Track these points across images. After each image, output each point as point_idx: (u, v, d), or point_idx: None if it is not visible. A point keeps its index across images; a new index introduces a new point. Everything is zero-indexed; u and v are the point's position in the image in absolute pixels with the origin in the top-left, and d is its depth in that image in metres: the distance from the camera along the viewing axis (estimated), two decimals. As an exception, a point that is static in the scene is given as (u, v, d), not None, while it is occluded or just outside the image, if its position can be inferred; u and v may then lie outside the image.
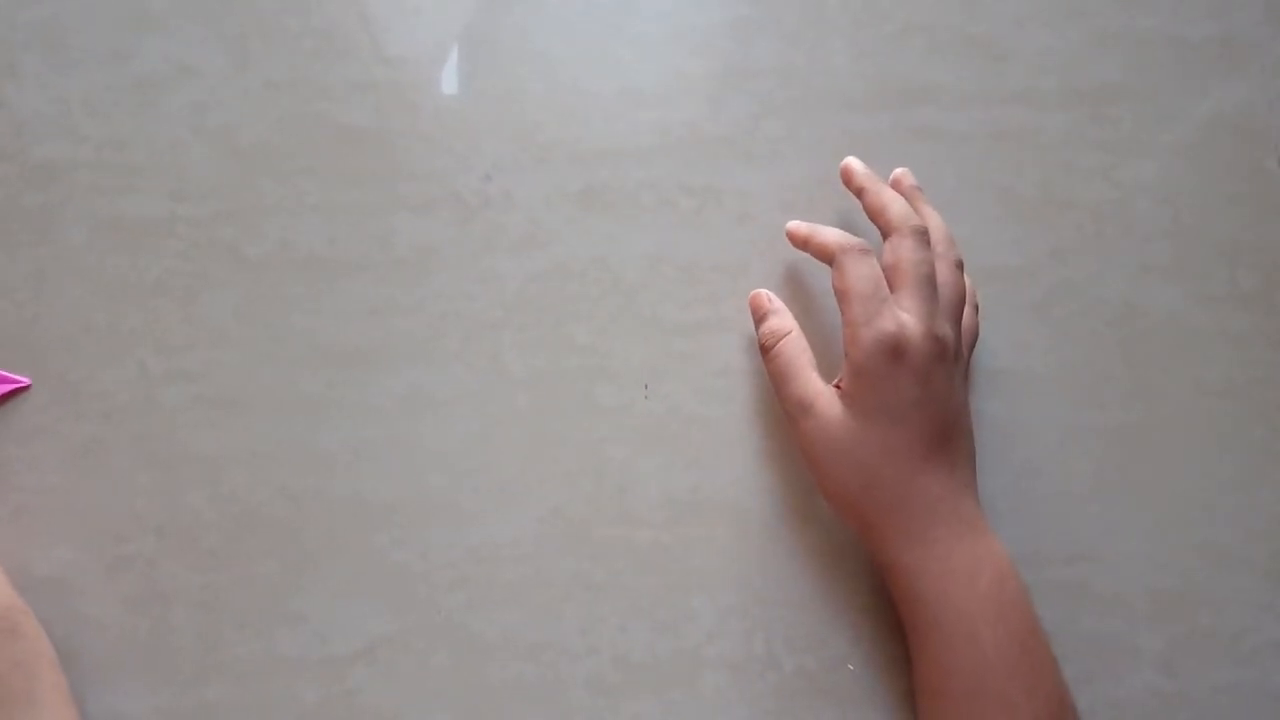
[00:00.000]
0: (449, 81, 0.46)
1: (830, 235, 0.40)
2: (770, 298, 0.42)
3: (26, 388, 0.34)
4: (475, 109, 0.46)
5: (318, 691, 0.40)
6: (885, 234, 0.39)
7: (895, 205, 0.39)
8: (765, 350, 0.40)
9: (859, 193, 0.41)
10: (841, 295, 0.38)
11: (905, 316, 0.37)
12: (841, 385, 0.38)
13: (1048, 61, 0.46)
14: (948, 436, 0.37)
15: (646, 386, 0.43)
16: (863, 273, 0.38)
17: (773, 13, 0.47)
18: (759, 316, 0.42)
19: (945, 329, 0.37)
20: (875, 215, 0.40)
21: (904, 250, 0.38)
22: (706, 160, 0.45)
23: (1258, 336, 0.44)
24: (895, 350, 0.36)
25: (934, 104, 0.46)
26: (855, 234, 0.40)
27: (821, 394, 0.38)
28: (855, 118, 0.46)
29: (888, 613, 0.41)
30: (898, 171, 0.43)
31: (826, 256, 0.40)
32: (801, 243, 0.41)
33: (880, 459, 0.37)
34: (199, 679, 0.41)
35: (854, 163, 0.42)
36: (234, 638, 0.41)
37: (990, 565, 0.36)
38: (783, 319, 0.41)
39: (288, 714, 0.41)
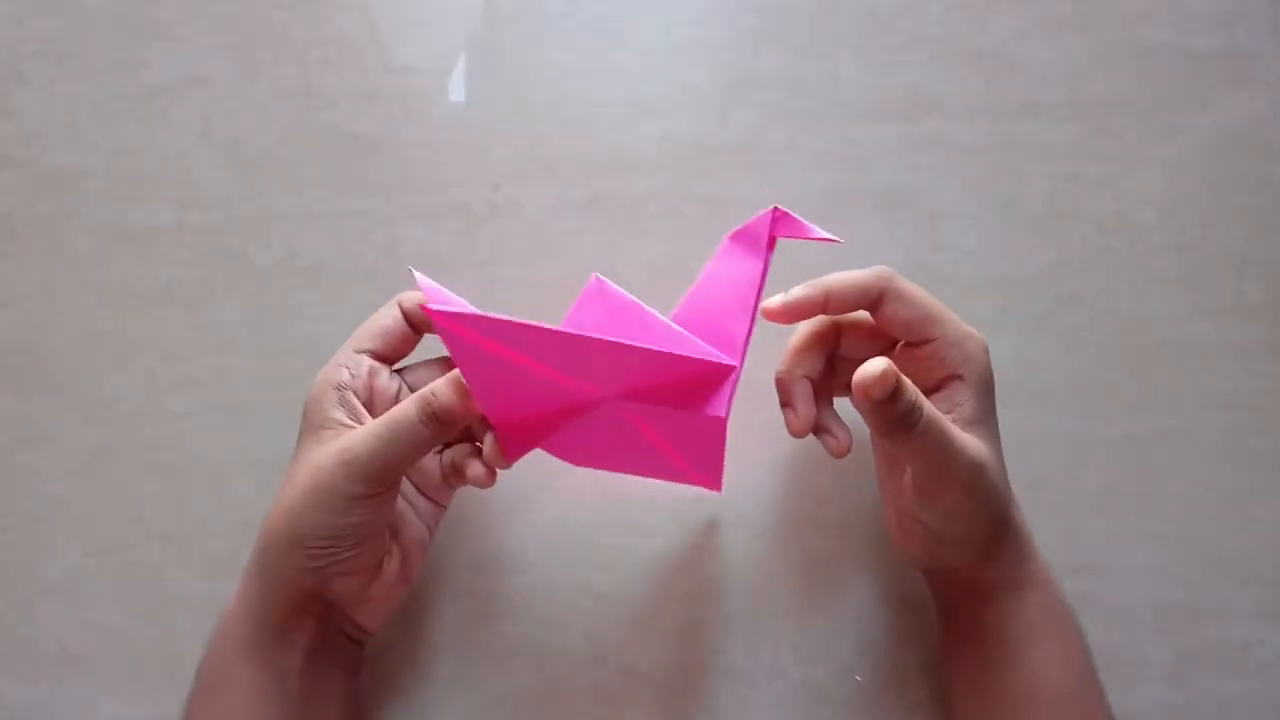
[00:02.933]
0: (456, 91, 0.47)
1: (853, 275, 0.35)
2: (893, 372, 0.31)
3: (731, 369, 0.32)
4: (482, 119, 0.46)
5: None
6: (862, 299, 0.35)
7: (841, 278, 0.35)
8: (910, 427, 0.31)
9: (798, 314, 0.35)
10: (921, 318, 0.34)
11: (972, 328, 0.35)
12: (966, 416, 0.34)
13: (1053, 73, 0.46)
14: None
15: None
16: (921, 290, 0.35)
17: (779, 24, 0.47)
18: (889, 394, 0.30)
19: None
20: (839, 304, 0.35)
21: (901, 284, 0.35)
22: (713, 170, 0.45)
23: (1264, 348, 0.44)
24: (989, 356, 0.35)
25: (940, 115, 0.46)
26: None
27: (975, 442, 0.33)
28: (861, 128, 0.46)
29: (894, 623, 0.41)
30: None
31: (863, 299, 0.35)
32: (817, 305, 0.35)
33: (1006, 480, 0.35)
34: (205, 687, 0.41)
35: (773, 302, 0.35)
36: (240, 646, 0.41)
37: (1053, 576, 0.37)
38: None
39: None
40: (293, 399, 0.43)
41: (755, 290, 0.34)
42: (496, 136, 0.46)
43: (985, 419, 0.35)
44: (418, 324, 0.37)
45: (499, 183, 0.46)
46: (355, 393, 0.35)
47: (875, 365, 0.30)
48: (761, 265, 0.34)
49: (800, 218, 0.33)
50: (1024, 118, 0.46)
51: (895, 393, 0.30)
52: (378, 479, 0.33)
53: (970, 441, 0.33)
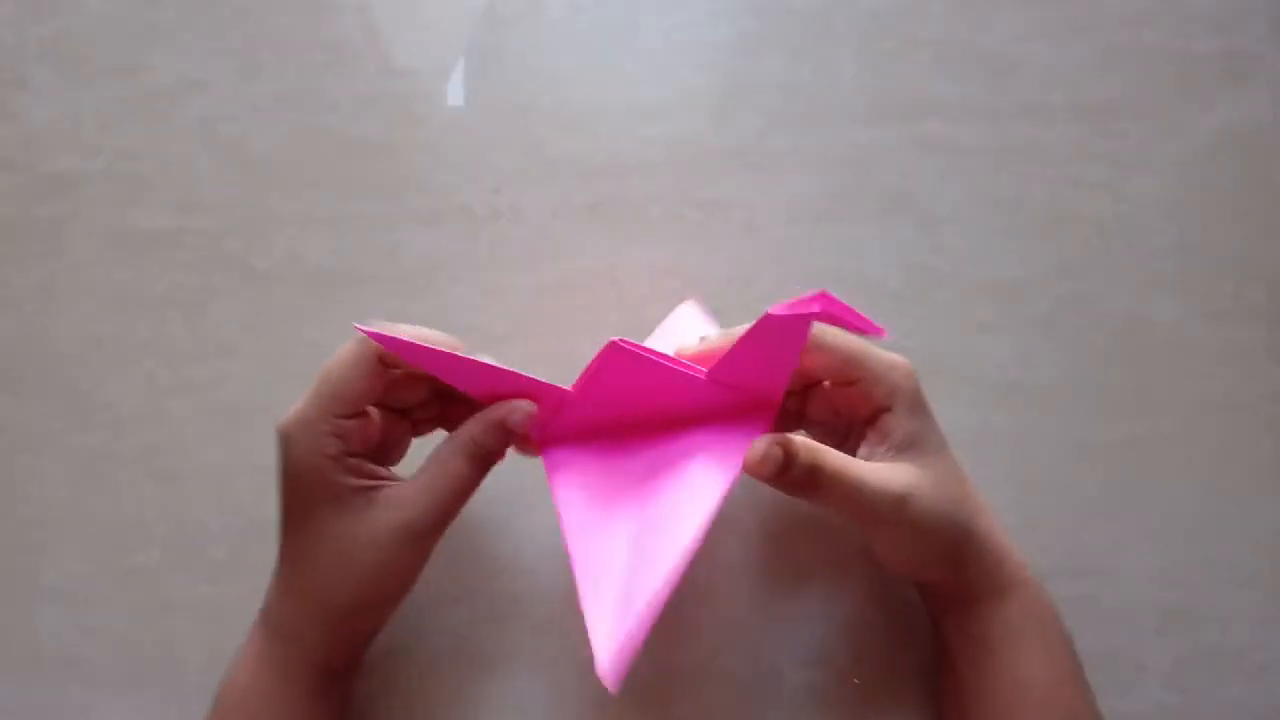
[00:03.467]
0: (456, 95, 0.47)
1: (730, 330, 0.35)
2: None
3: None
4: (483, 122, 0.46)
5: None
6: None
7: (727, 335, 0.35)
8: (812, 490, 0.32)
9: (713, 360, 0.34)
10: (842, 362, 0.34)
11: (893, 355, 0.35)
12: (899, 442, 0.34)
13: (1053, 76, 0.46)
14: None
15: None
16: (840, 332, 0.35)
17: (779, 27, 0.47)
18: (778, 468, 0.32)
19: None
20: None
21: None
22: (713, 173, 0.45)
23: (1263, 350, 0.44)
24: (918, 381, 0.35)
25: (940, 118, 0.46)
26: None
27: (897, 471, 0.33)
28: (861, 131, 0.46)
29: (892, 627, 0.41)
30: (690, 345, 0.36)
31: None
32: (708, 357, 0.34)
33: (965, 495, 0.35)
34: (206, 690, 0.41)
35: (688, 348, 0.36)
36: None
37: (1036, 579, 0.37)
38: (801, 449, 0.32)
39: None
40: (293, 403, 0.43)
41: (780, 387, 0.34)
42: (497, 140, 0.46)
43: (919, 442, 0.34)
44: (397, 381, 0.35)
45: (500, 186, 0.46)
46: (354, 453, 0.34)
47: (757, 448, 0.31)
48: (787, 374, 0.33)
49: (846, 305, 0.30)
50: (1024, 120, 0.46)
51: (784, 466, 0.31)
52: (437, 534, 0.34)
53: (891, 476, 0.33)
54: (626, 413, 0.34)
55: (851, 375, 0.35)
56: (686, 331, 0.38)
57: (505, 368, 0.33)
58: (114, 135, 0.46)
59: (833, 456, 0.32)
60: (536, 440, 0.35)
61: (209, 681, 0.41)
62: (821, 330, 0.34)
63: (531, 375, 0.33)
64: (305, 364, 0.44)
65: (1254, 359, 0.44)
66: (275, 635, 0.35)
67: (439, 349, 0.32)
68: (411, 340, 0.32)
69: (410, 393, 0.36)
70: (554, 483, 0.34)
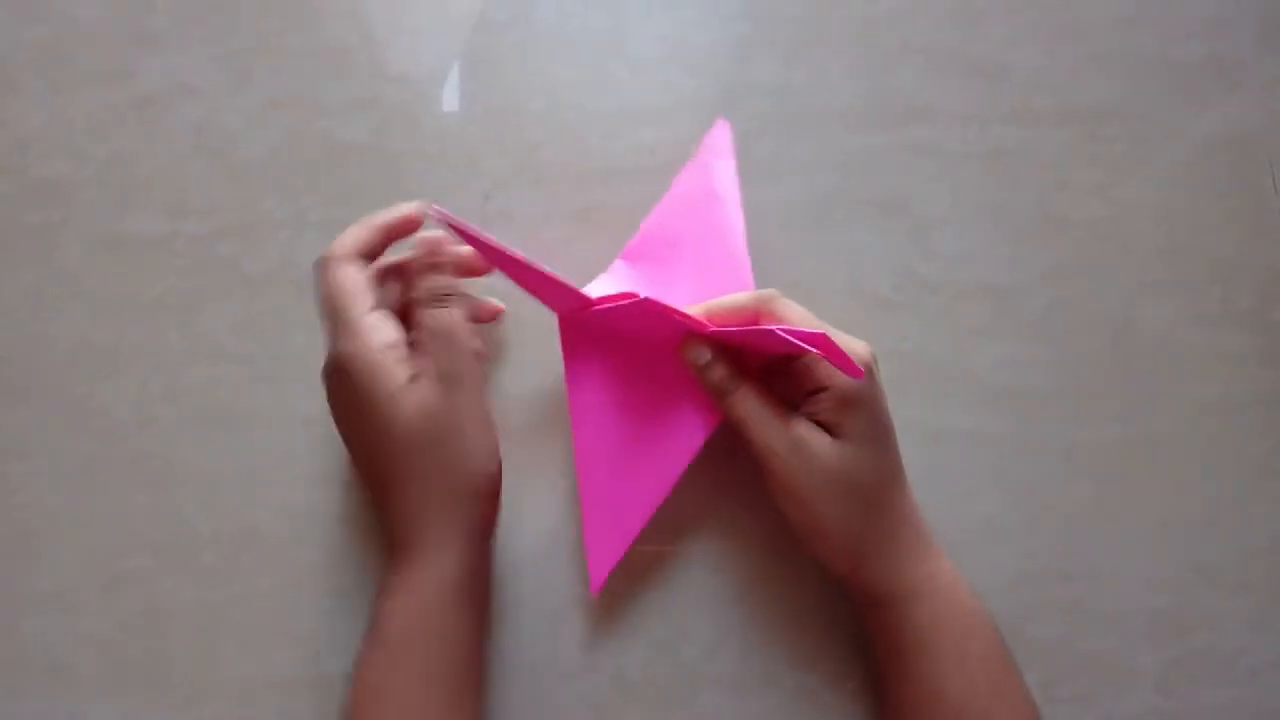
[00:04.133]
0: (449, 100, 0.47)
1: (734, 297, 0.38)
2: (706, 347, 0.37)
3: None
4: (475, 128, 0.46)
5: (314, 710, 0.40)
6: (739, 319, 0.38)
7: (722, 300, 0.38)
8: (724, 394, 0.37)
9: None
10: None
11: (855, 340, 0.37)
12: (820, 418, 0.36)
13: (1044, 81, 0.46)
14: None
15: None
16: (801, 309, 0.37)
17: (770, 32, 0.47)
18: (701, 364, 0.37)
19: None
20: (719, 323, 0.38)
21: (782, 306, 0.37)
22: (705, 179, 0.45)
23: (1252, 354, 0.44)
24: (870, 371, 0.36)
25: (931, 123, 0.46)
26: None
27: (805, 429, 0.36)
28: (852, 136, 0.46)
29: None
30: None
31: (740, 318, 0.38)
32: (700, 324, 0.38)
33: (879, 484, 0.37)
34: (196, 697, 0.41)
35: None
36: (231, 656, 0.41)
37: (962, 582, 0.37)
38: (728, 364, 0.37)
39: (285, 733, 0.41)
40: (285, 409, 0.44)
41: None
42: (489, 146, 0.46)
43: (847, 429, 0.36)
44: (364, 251, 0.39)
45: (491, 192, 0.46)
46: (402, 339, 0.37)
47: (696, 345, 0.37)
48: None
49: (840, 351, 0.34)
50: (1014, 125, 0.46)
51: (709, 364, 0.37)
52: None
53: (799, 430, 0.36)
54: (637, 333, 0.38)
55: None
56: (699, 196, 0.42)
57: (545, 270, 0.36)
58: (105, 141, 0.46)
59: (754, 389, 0.37)
60: (561, 318, 0.39)
61: (199, 687, 0.41)
62: (782, 306, 0.37)
63: (561, 278, 0.36)
64: (297, 369, 0.44)
65: (1244, 363, 0.44)
66: (423, 558, 0.36)
67: (492, 242, 0.35)
68: (476, 235, 0.35)
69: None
70: (570, 384, 0.39)
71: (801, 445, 0.36)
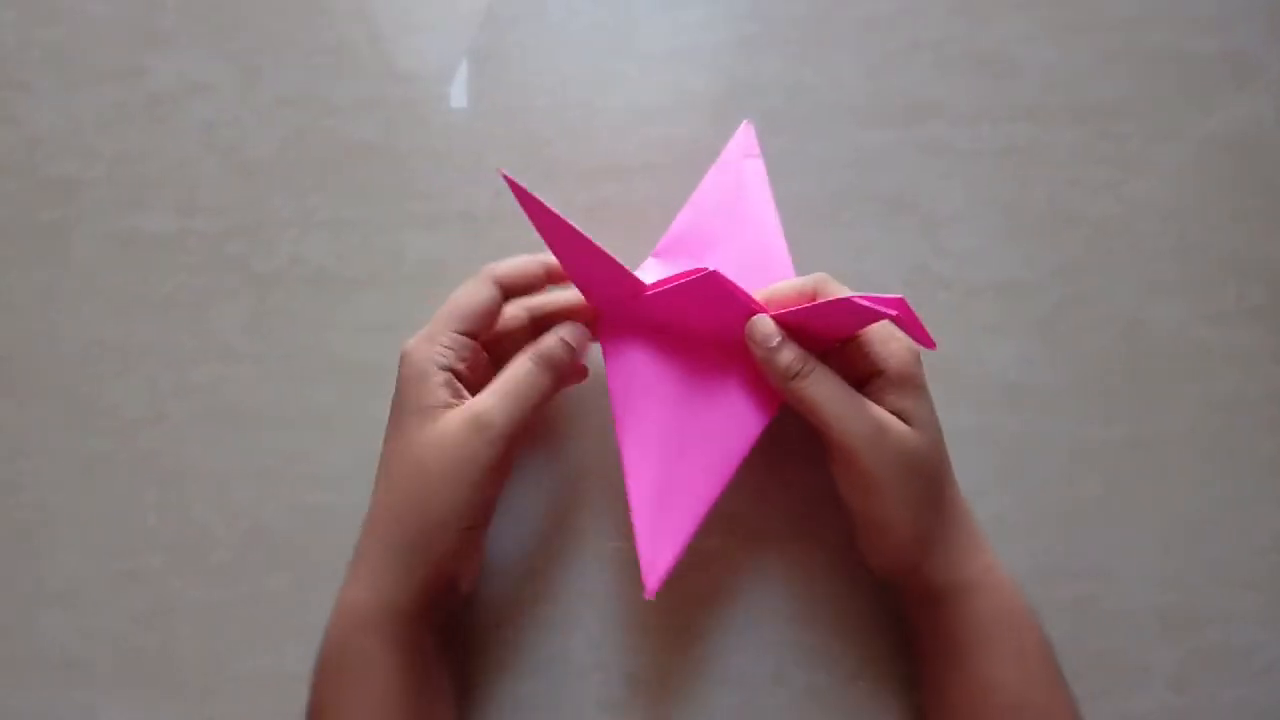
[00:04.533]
0: (458, 98, 0.47)
1: (792, 280, 0.37)
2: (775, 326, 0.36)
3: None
4: (484, 125, 0.46)
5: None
6: (799, 299, 0.37)
7: (782, 284, 0.38)
8: (796, 377, 0.35)
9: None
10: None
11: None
12: (884, 405, 0.35)
13: (1055, 78, 0.46)
14: None
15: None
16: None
17: (779, 30, 0.47)
18: (772, 344, 0.35)
19: None
20: (779, 305, 0.37)
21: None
22: (714, 176, 0.45)
23: (1264, 352, 0.44)
24: (919, 359, 0.36)
25: (941, 120, 0.46)
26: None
27: (884, 414, 0.35)
28: (862, 134, 0.46)
29: (898, 630, 0.41)
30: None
31: (800, 298, 0.37)
32: (761, 307, 0.37)
33: (944, 473, 0.36)
34: (207, 694, 0.41)
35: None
36: (242, 653, 0.41)
37: (1010, 576, 0.36)
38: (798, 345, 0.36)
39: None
40: (296, 407, 0.44)
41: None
42: (497, 143, 0.46)
43: (908, 412, 0.35)
44: (511, 288, 0.38)
45: (501, 189, 0.45)
46: (457, 375, 0.36)
47: (764, 323, 0.35)
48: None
49: (916, 317, 0.34)
50: (1026, 122, 0.46)
51: (780, 344, 0.35)
52: (512, 438, 0.34)
53: (879, 415, 0.35)
54: (687, 322, 0.37)
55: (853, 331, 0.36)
56: (732, 193, 0.42)
57: (602, 248, 0.35)
58: (116, 139, 0.47)
59: (827, 368, 0.35)
60: (601, 314, 0.38)
61: (209, 684, 0.41)
62: (836, 288, 0.36)
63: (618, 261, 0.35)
64: (307, 367, 0.44)
65: (1256, 360, 0.44)
66: (355, 580, 0.35)
67: (556, 213, 0.34)
68: (540, 203, 0.34)
69: (514, 336, 0.39)
70: (611, 378, 0.37)
71: (884, 431, 0.34)
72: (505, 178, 0.33)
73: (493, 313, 0.37)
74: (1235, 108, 0.46)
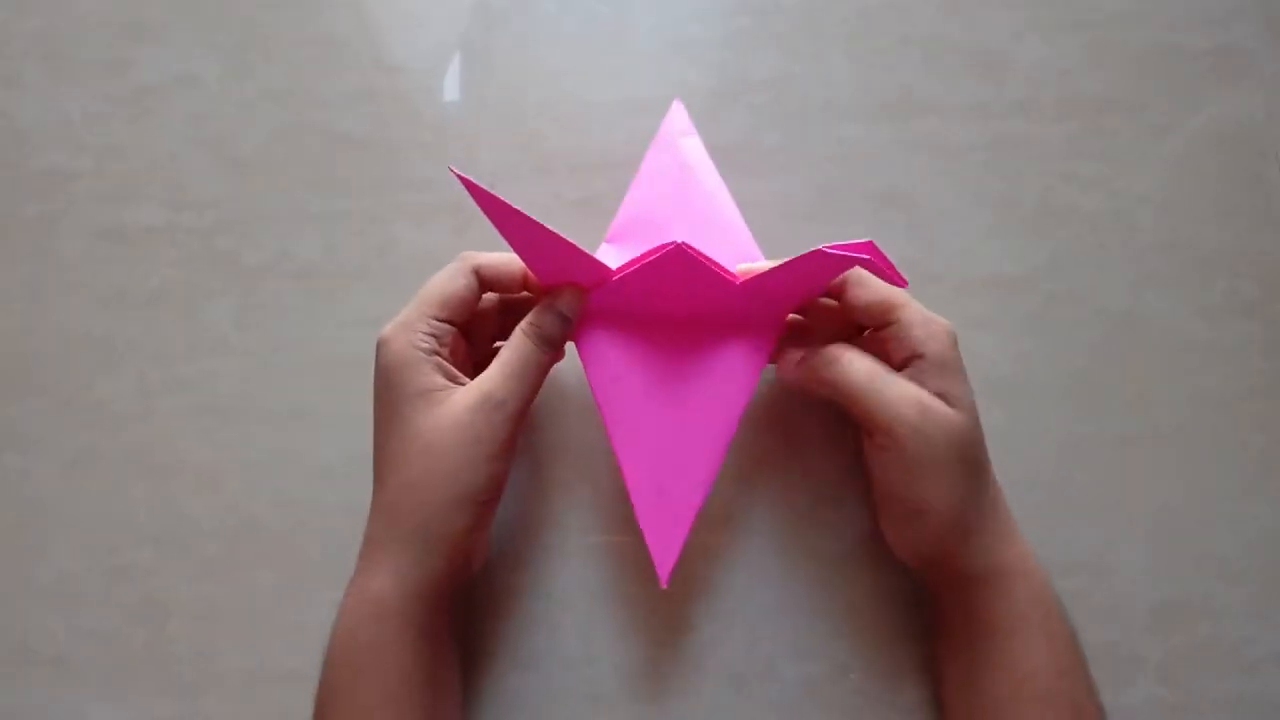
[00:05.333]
0: (449, 90, 0.46)
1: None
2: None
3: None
4: (475, 118, 0.46)
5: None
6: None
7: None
8: (830, 364, 0.36)
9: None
10: (881, 301, 0.36)
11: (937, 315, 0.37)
12: (926, 388, 0.35)
13: (1046, 73, 0.46)
14: None
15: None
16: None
17: (771, 25, 0.47)
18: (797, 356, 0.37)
19: None
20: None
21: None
22: (706, 170, 0.45)
23: (1255, 346, 0.44)
24: (957, 340, 0.36)
25: (933, 115, 0.46)
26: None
27: (928, 396, 0.35)
28: (854, 128, 0.46)
29: (890, 621, 0.41)
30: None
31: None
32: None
33: (984, 455, 0.36)
34: (197, 689, 0.41)
35: (742, 268, 0.38)
36: (232, 648, 0.41)
37: (1041, 565, 0.36)
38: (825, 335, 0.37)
39: (286, 725, 0.41)
40: (284, 400, 0.43)
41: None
42: (488, 136, 0.46)
43: (950, 394, 0.35)
44: (490, 283, 0.37)
45: (491, 182, 0.45)
46: (443, 359, 0.35)
47: (790, 355, 0.37)
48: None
49: (887, 259, 0.34)
50: (1017, 117, 0.46)
51: (804, 358, 0.37)
52: (521, 416, 0.35)
53: (923, 397, 0.35)
54: (657, 304, 0.37)
55: (890, 316, 0.36)
56: (677, 171, 0.41)
57: (564, 237, 0.34)
58: (103, 132, 0.46)
59: (860, 351, 0.36)
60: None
61: (200, 680, 0.41)
62: (865, 272, 0.36)
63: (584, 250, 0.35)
64: (296, 361, 0.44)
65: (1246, 355, 0.44)
66: (371, 568, 0.35)
67: (516, 208, 0.33)
68: (494, 197, 0.33)
69: (485, 319, 0.39)
70: (591, 373, 0.37)
71: (929, 413, 0.34)
72: (456, 174, 0.33)
73: (470, 302, 0.37)
74: (1225, 103, 0.46)
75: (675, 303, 0.37)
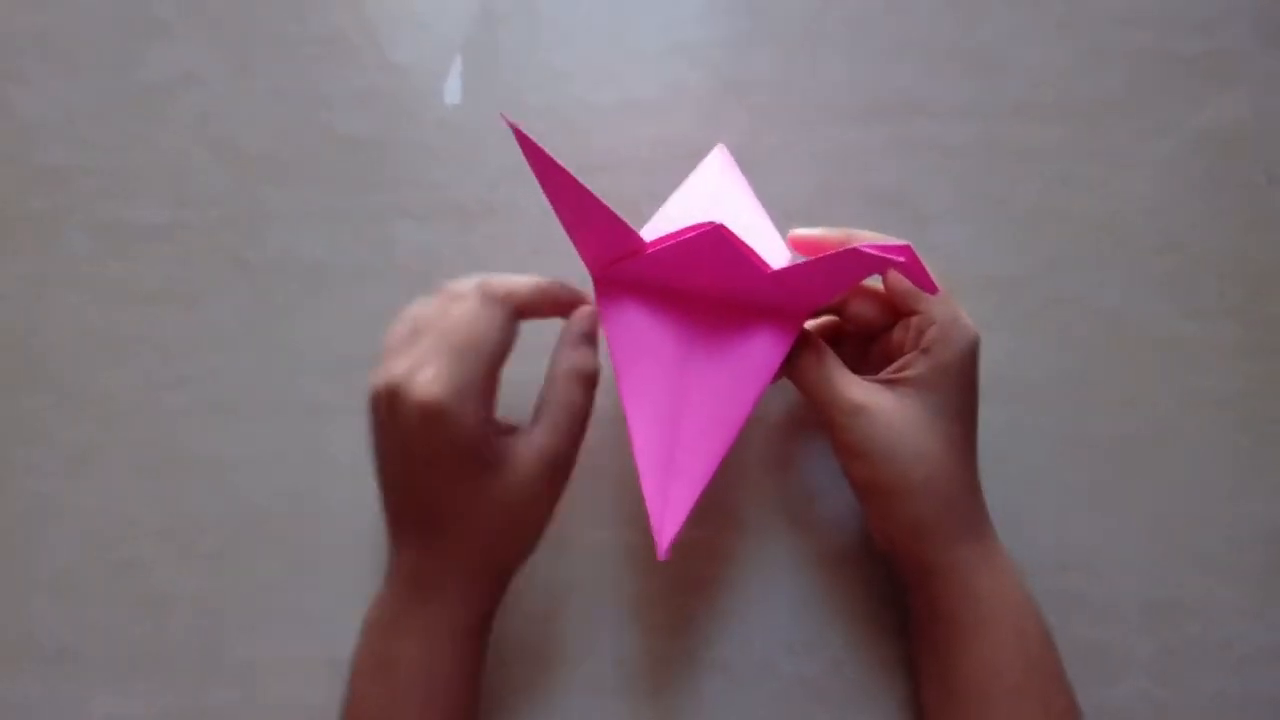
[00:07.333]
0: (452, 91, 0.47)
1: (878, 237, 0.37)
2: None
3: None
4: (478, 119, 0.46)
5: (320, 695, 0.40)
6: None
7: (867, 235, 0.38)
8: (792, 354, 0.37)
9: (816, 248, 0.39)
10: (913, 290, 0.37)
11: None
12: (908, 379, 0.36)
13: (1042, 76, 0.47)
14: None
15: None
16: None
17: (771, 26, 0.47)
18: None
19: None
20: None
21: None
22: (705, 171, 0.46)
23: (1245, 348, 0.44)
24: (976, 353, 0.37)
25: (930, 117, 0.46)
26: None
27: (872, 390, 0.36)
28: (852, 130, 0.46)
29: (886, 617, 0.41)
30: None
31: (829, 248, 0.37)
32: (836, 247, 0.36)
33: (944, 451, 0.36)
34: (201, 682, 0.41)
35: (800, 231, 0.40)
36: (236, 641, 0.42)
37: (1014, 564, 0.37)
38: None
39: (290, 718, 0.41)
40: (287, 397, 0.44)
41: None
42: (492, 137, 0.46)
43: (939, 395, 0.36)
44: (521, 313, 0.36)
45: (494, 183, 0.46)
46: (490, 420, 0.35)
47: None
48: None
49: (922, 264, 0.35)
50: (1013, 119, 0.46)
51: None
52: (572, 462, 0.36)
53: (866, 389, 0.36)
54: (686, 281, 0.37)
55: (915, 306, 0.37)
56: (715, 190, 0.42)
57: (604, 202, 0.34)
58: (107, 129, 0.46)
59: (819, 346, 0.37)
60: (597, 277, 0.37)
61: (202, 674, 0.41)
62: (863, 236, 0.37)
63: (620, 216, 0.35)
64: (299, 358, 0.44)
65: (1237, 356, 0.44)
66: (420, 602, 0.35)
67: (561, 166, 0.33)
68: (545, 154, 0.33)
69: None
70: (610, 333, 0.37)
71: (866, 407, 0.35)
72: (510, 125, 0.33)
73: (511, 344, 0.35)
74: (1220, 107, 0.47)
75: (704, 283, 0.36)
